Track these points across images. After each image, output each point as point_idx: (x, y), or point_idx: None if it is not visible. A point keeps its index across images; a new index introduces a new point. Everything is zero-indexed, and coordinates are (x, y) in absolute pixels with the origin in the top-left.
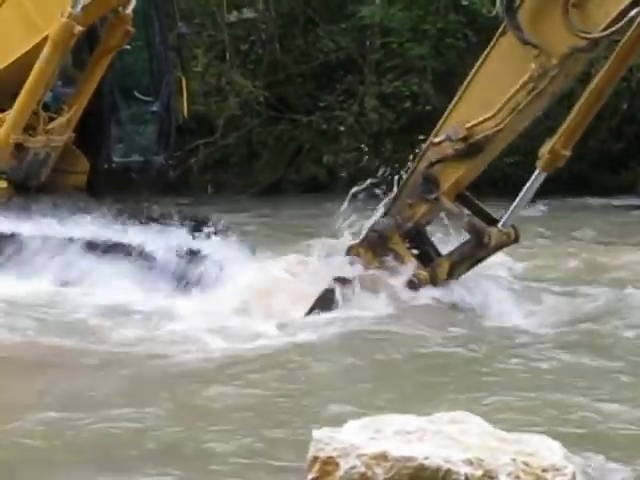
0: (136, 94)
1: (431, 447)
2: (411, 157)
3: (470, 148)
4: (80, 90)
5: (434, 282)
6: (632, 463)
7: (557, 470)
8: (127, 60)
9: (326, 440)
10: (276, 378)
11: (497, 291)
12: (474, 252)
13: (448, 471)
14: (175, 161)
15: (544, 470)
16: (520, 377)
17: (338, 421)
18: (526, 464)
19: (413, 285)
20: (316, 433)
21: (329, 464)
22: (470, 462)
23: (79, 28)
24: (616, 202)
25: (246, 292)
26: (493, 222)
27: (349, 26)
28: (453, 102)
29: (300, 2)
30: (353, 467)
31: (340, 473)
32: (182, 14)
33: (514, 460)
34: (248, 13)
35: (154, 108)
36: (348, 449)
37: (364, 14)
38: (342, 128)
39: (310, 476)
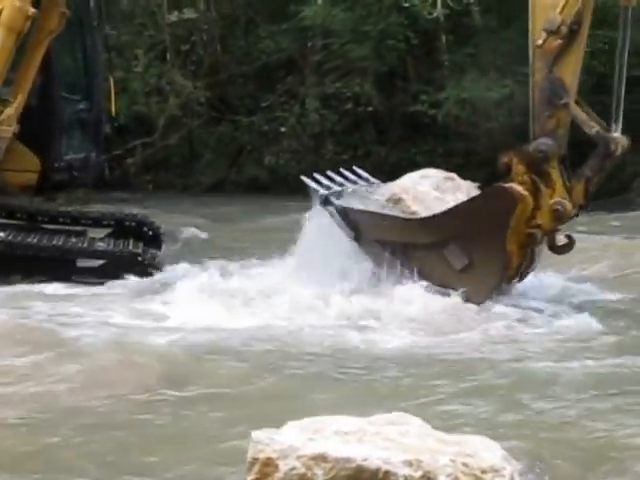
0: (67, 94)
1: (370, 448)
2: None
3: (571, 30)
4: (21, 77)
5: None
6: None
7: (496, 471)
8: (60, 59)
9: (265, 441)
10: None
11: None
12: (603, 163)
13: (387, 472)
14: (115, 161)
15: (483, 471)
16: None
17: (277, 423)
18: (465, 465)
19: (559, 214)
20: (255, 434)
21: (268, 465)
22: (409, 463)
23: (33, 10)
24: None
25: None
26: (606, 130)
27: (290, 27)
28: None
29: (241, 3)
30: (293, 468)
31: (279, 474)
32: (123, 15)
33: (453, 461)
34: (189, 13)
35: (84, 107)
36: (287, 450)
37: (305, 15)
38: (283, 129)
39: (249, 477)
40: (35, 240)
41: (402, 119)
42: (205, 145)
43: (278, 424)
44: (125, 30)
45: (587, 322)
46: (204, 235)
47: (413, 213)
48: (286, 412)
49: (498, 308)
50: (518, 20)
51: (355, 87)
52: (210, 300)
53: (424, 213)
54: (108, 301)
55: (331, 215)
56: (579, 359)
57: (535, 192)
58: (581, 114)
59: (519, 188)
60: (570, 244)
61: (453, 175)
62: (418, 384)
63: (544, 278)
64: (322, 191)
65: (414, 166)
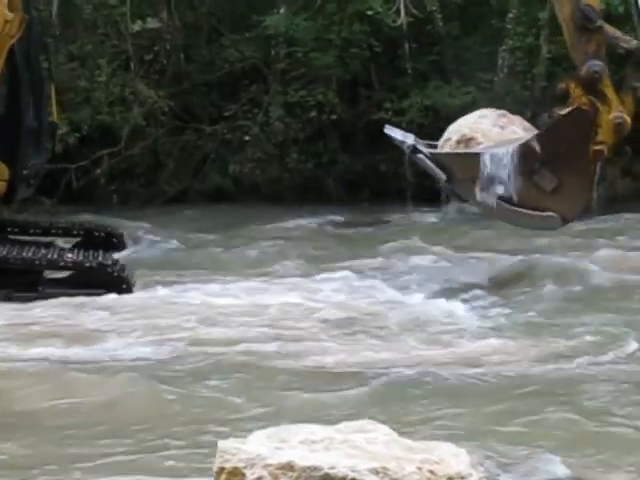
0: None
1: (337, 456)
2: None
3: None
4: None
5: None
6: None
7: (462, 478)
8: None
9: (232, 451)
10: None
11: None
12: None
13: None
14: (80, 172)
15: (450, 478)
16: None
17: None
18: (432, 472)
19: (620, 127)
20: (222, 444)
21: (235, 475)
22: (376, 471)
23: (10, 14)
24: None
25: None
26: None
27: (254, 36)
28: None
29: (204, 12)
30: (259, 477)
31: None
32: (85, 25)
33: (420, 469)
34: (152, 23)
35: (29, 114)
36: (254, 459)
37: (268, 23)
38: (247, 138)
39: None
40: (5, 252)
41: (366, 127)
42: (169, 154)
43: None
44: (88, 40)
45: None
46: (171, 246)
47: (488, 148)
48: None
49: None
50: (481, 27)
51: (319, 95)
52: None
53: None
54: None
55: (420, 162)
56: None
57: (594, 111)
58: (615, 31)
59: (617, 110)
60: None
61: (504, 112)
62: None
63: None
64: (410, 141)
65: (378, 175)
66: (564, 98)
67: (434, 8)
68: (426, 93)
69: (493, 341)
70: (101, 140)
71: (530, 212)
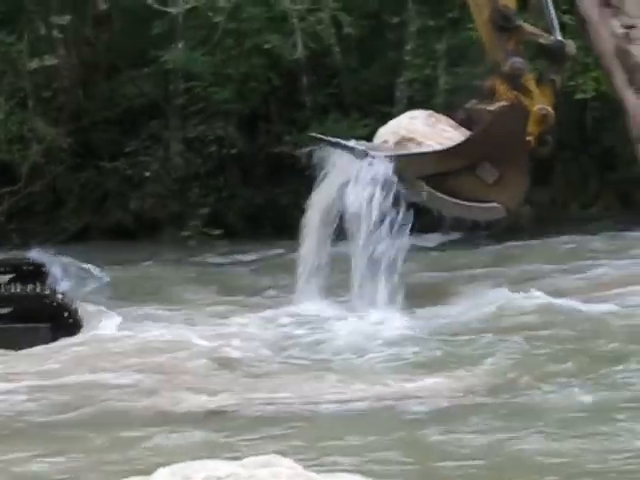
0: None
1: None
2: None
3: None
4: None
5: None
6: None
7: None
8: None
9: None
10: None
11: None
12: (562, 65)
13: None
14: None
15: None
16: None
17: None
18: None
19: (545, 117)
20: None
21: None
22: None
23: None
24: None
25: None
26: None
27: (152, 71)
28: None
29: (102, 48)
30: None
31: None
32: None
33: None
34: (49, 60)
35: None
36: None
37: (167, 59)
38: (147, 173)
39: None
40: None
41: (266, 160)
42: (69, 191)
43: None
44: None
45: None
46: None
47: (426, 147)
48: None
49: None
50: (378, 59)
51: (218, 130)
52: None
53: (438, 146)
54: None
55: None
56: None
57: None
58: (533, 29)
59: (539, 102)
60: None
61: (431, 111)
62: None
63: None
64: (359, 147)
65: (279, 208)
66: (491, 95)
67: (331, 41)
68: (326, 126)
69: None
70: (1, 179)
71: (475, 205)
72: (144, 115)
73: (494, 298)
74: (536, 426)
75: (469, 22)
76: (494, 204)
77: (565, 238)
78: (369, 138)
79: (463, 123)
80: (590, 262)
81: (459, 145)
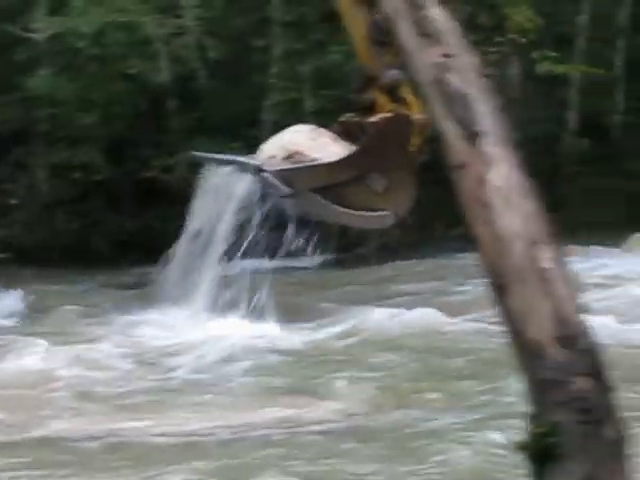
0: None
1: None
2: None
3: None
4: None
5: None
6: None
7: None
8: None
9: None
10: None
11: None
12: None
13: None
14: None
15: None
16: None
17: None
18: None
19: (424, 126)
20: None
21: None
22: None
23: None
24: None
25: None
26: None
27: (16, 98)
28: None
29: None
30: None
31: None
32: None
33: None
34: None
35: None
36: None
37: (30, 85)
38: (13, 201)
39: None
40: None
41: (134, 185)
42: None
43: None
44: None
45: None
46: None
47: (313, 160)
48: None
49: None
50: (244, 83)
51: (83, 156)
52: None
53: (327, 158)
54: None
55: (265, 180)
56: None
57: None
58: None
59: (418, 112)
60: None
61: (313, 126)
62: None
63: None
64: (254, 162)
65: (148, 234)
66: (371, 107)
67: (197, 65)
68: (192, 149)
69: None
70: None
71: (366, 213)
72: (9, 142)
73: (362, 317)
74: (374, 448)
75: (333, 45)
76: (384, 212)
77: (430, 259)
78: None
79: (341, 136)
80: (456, 281)
81: (349, 156)
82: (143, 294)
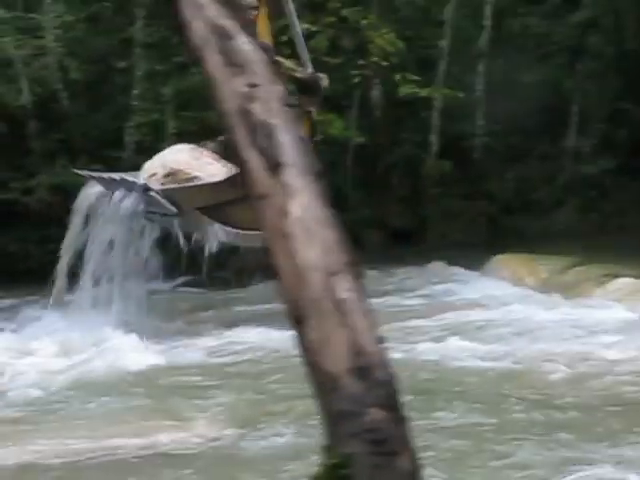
0: None
1: None
2: None
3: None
4: None
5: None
6: None
7: None
8: None
9: None
10: None
11: None
12: (319, 97)
13: None
14: None
15: None
16: None
17: None
18: None
19: None
20: None
21: None
22: None
23: None
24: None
25: None
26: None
27: None
28: None
29: None
30: None
31: None
32: None
33: None
34: None
35: None
36: None
37: None
38: None
39: None
40: None
41: None
42: None
43: None
44: None
45: None
46: None
47: (195, 179)
48: None
49: None
50: (107, 104)
51: None
52: None
53: (209, 177)
54: None
55: (151, 198)
56: None
57: None
58: (290, 63)
59: None
60: None
61: (193, 145)
62: None
63: None
64: (141, 181)
65: (7, 256)
66: None
67: (58, 86)
68: (54, 171)
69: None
70: None
71: (249, 232)
72: None
73: (218, 340)
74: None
75: (196, 67)
76: None
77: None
78: None
79: (221, 155)
80: None
81: (235, 175)
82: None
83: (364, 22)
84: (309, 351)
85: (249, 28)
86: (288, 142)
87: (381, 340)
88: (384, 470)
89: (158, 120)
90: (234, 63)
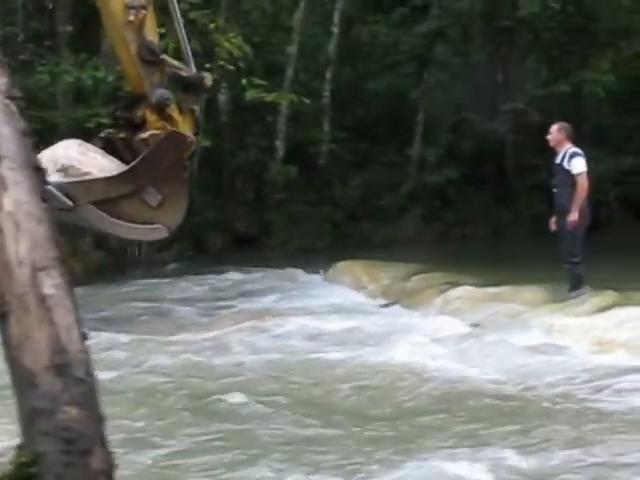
0: None
1: None
2: None
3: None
4: None
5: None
6: None
7: None
8: None
9: None
10: None
11: None
12: (201, 96)
13: None
14: None
15: None
16: None
17: None
18: None
19: (190, 144)
20: None
21: None
22: None
23: None
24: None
25: None
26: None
27: None
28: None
29: None
30: None
31: None
32: None
33: None
34: None
35: None
36: None
37: None
38: None
39: None
40: None
41: None
42: None
43: None
44: None
45: None
46: None
47: (87, 174)
48: None
49: None
50: None
51: None
52: None
53: (98, 172)
54: None
55: (46, 192)
56: None
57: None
58: (174, 62)
59: (183, 130)
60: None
61: (79, 140)
62: None
63: None
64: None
65: None
66: (140, 125)
67: None
68: None
69: None
70: None
71: (141, 226)
72: None
73: None
74: None
75: (40, 65)
76: (158, 225)
77: (131, 283)
78: None
79: (106, 151)
80: (168, 305)
81: (127, 171)
82: None
83: (212, 25)
84: (10, 347)
85: None
86: (6, 135)
87: (85, 337)
88: (74, 468)
89: None
90: None
